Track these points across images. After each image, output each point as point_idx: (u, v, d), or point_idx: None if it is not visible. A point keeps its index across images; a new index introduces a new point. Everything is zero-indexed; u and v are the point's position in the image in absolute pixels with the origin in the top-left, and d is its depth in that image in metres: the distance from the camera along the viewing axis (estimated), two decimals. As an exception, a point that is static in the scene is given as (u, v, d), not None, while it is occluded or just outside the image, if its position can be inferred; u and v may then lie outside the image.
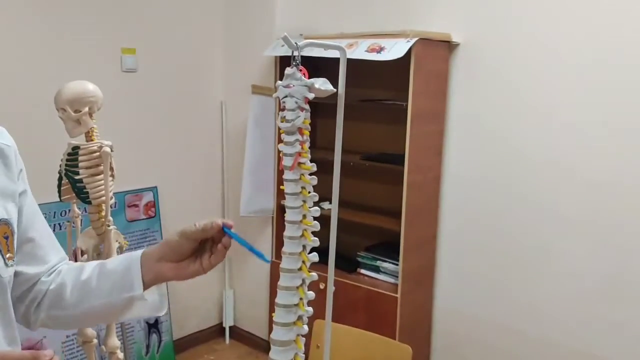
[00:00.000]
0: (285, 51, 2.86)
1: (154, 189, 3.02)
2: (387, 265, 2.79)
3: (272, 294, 3.18)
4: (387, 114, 2.87)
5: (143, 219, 2.97)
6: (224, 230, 0.87)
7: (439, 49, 2.62)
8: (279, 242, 3.14)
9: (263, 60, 3.05)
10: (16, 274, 0.93)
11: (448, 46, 2.65)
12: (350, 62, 2.44)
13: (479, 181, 2.65)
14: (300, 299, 0.88)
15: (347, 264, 2.89)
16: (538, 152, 2.47)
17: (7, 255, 0.87)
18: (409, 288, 2.67)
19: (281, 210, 3.11)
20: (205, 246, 0.91)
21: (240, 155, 3.14)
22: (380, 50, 2.48)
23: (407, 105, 2.50)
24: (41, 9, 2.50)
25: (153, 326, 3.00)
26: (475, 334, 2.72)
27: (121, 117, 2.81)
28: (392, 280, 2.75)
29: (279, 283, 0.89)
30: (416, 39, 2.42)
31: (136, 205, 2.95)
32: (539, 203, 2.48)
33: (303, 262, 0.88)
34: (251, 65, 3.12)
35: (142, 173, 2.96)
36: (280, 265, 0.88)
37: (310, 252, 0.89)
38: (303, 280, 0.88)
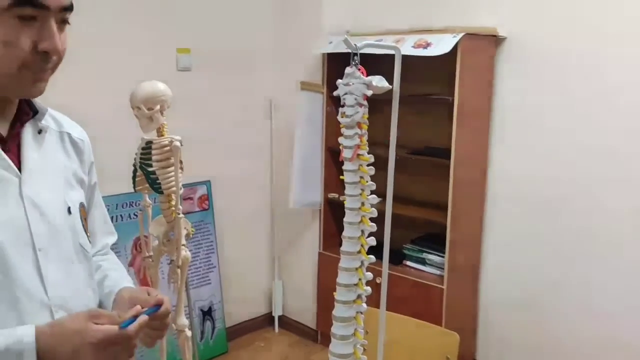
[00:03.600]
0: (332, 48, 2.94)
1: (207, 183, 3.16)
2: (432, 258, 2.83)
3: (320, 285, 3.28)
4: (433, 108, 2.91)
5: (197, 212, 3.11)
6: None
7: (485, 44, 2.64)
8: (326, 234, 3.23)
9: (311, 58, 3.13)
10: None
11: (494, 40, 2.66)
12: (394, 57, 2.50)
13: (526, 175, 2.66)
14: (360, 279, 0.97)
15: (394, 256, 2.95)
16: (587, 146, 2.46)
17: (88, 234, 1.03)
18: (454, 280, 2.71)
19: (328, 203, 3.20)
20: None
21: (287, 150, 3.24)
22: (426, 46, 2.53)
23: (453, 100, 2.54)
24: (106, 14, 2.67)
25: (207, 314, 3.15)
26: (521, 327, 2.74)
27: (176, 114, 2.93)
28: (437, 272, 2.79)
29: (339, 264, 0.98)
30: (462, 34, 2.46)
31: (191, 198, 3.09)
32: (588, 196, 2.47)
33: (362, 245, 0.96)
34: (299, 63, 3.21)
35: (196, 167, 3.08)
36: (341, 248, 0.97)
37: (368, 236, 0.97)
38: (362, 262, 0.97)
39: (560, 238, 2.57)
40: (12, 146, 0.92)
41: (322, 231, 3.24)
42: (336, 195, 3.15)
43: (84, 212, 1.04)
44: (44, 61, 0.86)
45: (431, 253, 2.85)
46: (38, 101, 0.98)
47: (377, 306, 1.88)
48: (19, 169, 0.91)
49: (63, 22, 0.89)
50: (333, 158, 3.16)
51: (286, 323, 3.55)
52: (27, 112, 0.96)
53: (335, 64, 2.99)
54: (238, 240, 3.37)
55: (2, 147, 0.90)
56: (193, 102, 3.05)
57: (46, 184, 0.95)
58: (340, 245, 0.96)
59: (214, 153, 3.18)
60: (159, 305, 0.97)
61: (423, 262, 2.88)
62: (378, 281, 3.02)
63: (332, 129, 3.10)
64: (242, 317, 3.45)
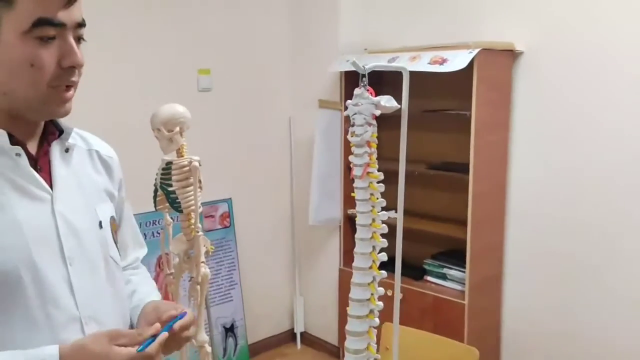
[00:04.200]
0: (349, 66, 2.98)
1: (228, 201, 3.21)
2: (453, 273, 2.82)
3: (341, 301, 3.28)
4: (451, 123, 2.92)
5: (219, 229, 3.16)
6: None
7: (501, 58, 2.65)
8: (346, 250, 3.25)
9: (328, 76, 3.18)
10: None
11: (511, 55, 2.67)
12: (413, 73, 2.51)
13: (547, 189, 2.65)
14: (372, 294, 0.98)
15: (414, 271, 2.95)
16: (605, 159, 2.44)
17: (118, 246, 1.08)
18: (476, 295, 2.69)
19: (348, 219, 3.22)
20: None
21: (307, 167, 3.27)
22: (442, 62, 2.55)
23: (470, 115, 2.55)
24: (128, 37, 2.76)
25: (229, 330, 3.18)
26: (546, 342, 2.70)
27: (197, 133, 2.99)
28: (459, 287, 2.78)
29: (352, 280, 1.00)
30: (478, 49, 2.47)
31: (212, 216, 3.15)
32: (608, 210, 2.45)
33: (373, 261, 0.98)
34: (317, 81, 3.26)
35: (218, 185, 3.15)
36: (353, 264, 0.99)
37: (380, 252, 0.99)
38: (373, 278, 0.98)
39: (584, 250, 2.54)
40: (43, 165, 0.97)
41: (342, 247, 3.26)
42: (356, 212, 3.17)
43: (115, 225, 1.08)
44: (69, 75, 0.90)
45: (452, 268, 2.83)
46: (63, 121, 1.02)
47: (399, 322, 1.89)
48: (50, 186, 0.96)
49: (79, 39, 0.93)
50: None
51: (308, 339, 3.55)
52: (54, 131, 1.00)
53: (353, 81, 3.02)
54: (259, 257, 3.40)
55: (33, 166, 0.94)
56: (214, 121, 3.12)
57: (77, 199, 0.99)
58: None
59: (235, 171, 3.24)
60: (182, 315, 1.00)
61: (444, 277, 2.87)
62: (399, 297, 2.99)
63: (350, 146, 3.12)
64: (264, 333, 3.47)
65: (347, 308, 1.01)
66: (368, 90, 0.97)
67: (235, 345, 3.20)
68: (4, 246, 0.87)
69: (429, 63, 2.58)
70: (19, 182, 0.92)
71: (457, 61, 2.49)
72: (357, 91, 0.98)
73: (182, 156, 1.53)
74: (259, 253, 3.40)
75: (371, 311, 0.99)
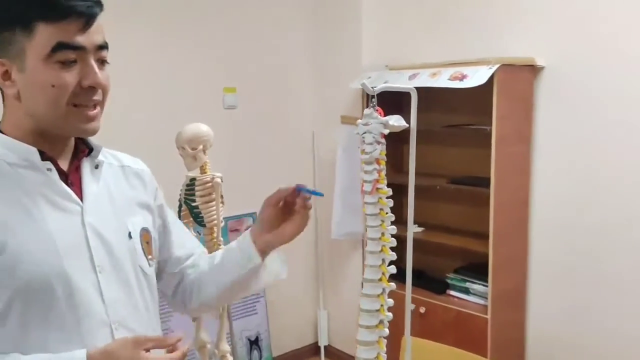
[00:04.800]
0: (369, 83, 3.03)
1: (253, 215, 3.28)
2: (476, 287, 2.82)
3: (364, 314, 3.31)
4: (472, 138, 2.94)
5: (244, 243, 3.23)
6: (297, 190, 1.08)
7: (522, 73, 2.67)
8: (369, 264, 3.27)
9: (350, 92, 3.24)
10: (166, 263, 1.20)
11: (532, 69, 2.68)
12: (434, 89, 2.56)
13: (570, 202, 2.63)
14: (381, 305, 1.03)
15: (437, 285, 2.95)
16: (629, 171, 2.43)
17: (149, 257, 1.11)
18: (499, 309, 2.68)
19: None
20: (294, 209, 1.14)
21: (330, 182, 3.32)
22: (462, 78, 2.58)
23: (490, 130, 2.57)
24: (156, 58, 2.87)
25: (254, 343, 3.23)
26: (571, 357, 2.67)
27: (223, 149, 3.10)
28: (482, 301, 2.78)
29: (362, 291, 1.04)
30: (498, 65, 2.50)
31: (237, 230, 3.22)
32: (634, 222, 2.43)
33: (383, 273, 1.03)
34: (339, 97, 3.32)
35: (242, 200, 3.22)
36: (363, 276, 1.03)
37: (389, 265, 1.03)
38: (383, 290, 1.03)
39: (609, 263, 2.52)
40: (75, 180, 1.04)
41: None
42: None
43: (147, 236, 1.12)
44: (90, 95, 0.96)
45: (475, 282, 2.83)
46: (93, 140, 1.09)
47: (421, 336, 1.91)
48: (81, 199, 1.02)
49: (101, 62, 0.98)
50: (374, 189, 3.22)
51: (332, 353, 3.58)
52: (84, 149, 1.07)
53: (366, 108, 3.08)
54: (283, 270, 3.45)
55: (65, 180, 1.01)
56: (239, 138, 3.21)
57: (106, 212, 1.05)
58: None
59: (259, 186, 3.27)
60: (301, 186, 1.11)
61: (467, 291, 2.87)
62: (422, 311, 3.01)
63: (373, 161, 3.17)
64: (289, 346, 3.51)
65: (358, 319, 1.05)
66: (377, 110, 1.02)
67: (260, 357, 3.25)
68: (37, 257, 0.94)
69: (449, 79, 2.62)
70: (50, 196, 0.98)
71: (476, 77, 2.52)
72: (366, 111, 1.03)
73: (205, 173, 1.62)
74: (283, 266, 3.45)
75: (381, 321, 1.04)
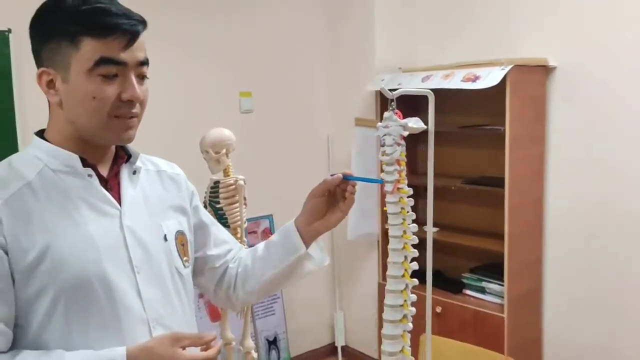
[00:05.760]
0: (384, 85, 3.07)
1: (270, 217, 3.33)
2: (492, 287, 2.84)
3: (381, 314, 3.33)
4: (486, 138, 2.96)
5: (261, 245, 3.28)
6: (344, 179, 1.13)
7: (535, 74, 2.69)
8: (384, 265, 3.29)
9: (364, 95, 3.28)
10: (207, 259, 1.25)
11: (545, 70, 2.71)
12: (448, 91, 2.60)
13: (585, 203, 2.65)
14: (405, 300, 1.07)
15: (453, 285, 2.98)
16: (644, 170, 2.44)
17: (184, 259, 1.16)
18: (515, 309, 2.71)
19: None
20: (337, 197, 1.19)
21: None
22: (475, 79, 2.61)
23: (504, 130, 2.59)
24: (174, 64, 2.94)
25: (272, 343, 3.28)
26: (590, 354, 2.68)
27: (240, 153, 3.15)
28: (498, 301, 2.80)
29: (386, 287, 1.08)
30: (511, 66, 2.53)
31: (255, 232, 3.27)
32: (648, 221, 2.44)
33: (405, 269, 1.07)
34: (354, 100, 3.36)
35: (259, 203, 3.27)
36: (387, 273, 1.07)
37: (411, 261, 1.07)
38: (406, 285, 1.07)
39: (623, 262, 2.53)
40: (114, 185, 1.09)
41: (380, 262, 3.32)
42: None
43: (182, 238, 1.17)
44: (128, 108, 1.01)
45: (491, 282, 2.86)
46: (132, 147, 1.15)
47: (438, 334, 1.94)
48: (120, 204, 1.08)
49: (141, 77, 1.04)
50: (389, 190, 3.26)
51: (349, 353, 3.61)
52: (123, 156, 1.13)
53: (388, 100, 3.12)
54: (300, 271, 3.50)
55: (104, 186, 1.07)
56: (256, 141, 3.25)
57: (143, 215, 1.10)
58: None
59: (276, 188, 3.36)
60: (348, 175, 1.15)
61: (483, 291, 2.89)
62: (438, 310, 3.03)
63: (388, 162, 3.21)
64: (306, 347, 3.55)
65: (383, 314, 1.09)
66: (396, 113, 1.06)
67: (278, 357, 3.30)
68: (79, 258, 0.99)
69: (462, 80, 2.65)
70: (91, 200, 1.04)
71: (489, 78, 2.55)
72: (386, 114, 1.07)
73: (229, 175, 1.68)
74: (300, 268, 3.50)
75: (405, 316, 1.08)
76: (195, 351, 0.98)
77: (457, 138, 3.02)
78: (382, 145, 1.07)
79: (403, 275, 1.07)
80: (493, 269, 2.87)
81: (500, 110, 2.62)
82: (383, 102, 3.16)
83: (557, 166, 2.75)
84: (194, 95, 3.02)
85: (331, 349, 3.66)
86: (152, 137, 2.83)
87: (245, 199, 1.52)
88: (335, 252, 3.61)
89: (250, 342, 1.56)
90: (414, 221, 1.08)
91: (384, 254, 3.30)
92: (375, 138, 3.22)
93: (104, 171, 1.09)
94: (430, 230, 1.13)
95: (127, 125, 1.03)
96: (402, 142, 1.05)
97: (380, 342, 3.54)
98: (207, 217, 1.29)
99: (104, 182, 1.08)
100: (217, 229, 1.30)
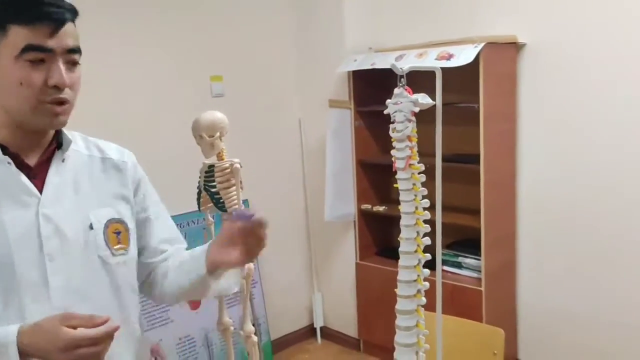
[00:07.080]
0: (357, 66, 3.06)
1: (244, 202, 3.28)
2: (469, 261, 2.91)
3: (359, 294, 3.37)
4: (461, 116, 3.00)
5: (237, 230, 3.24)
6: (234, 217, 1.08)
7: (506, 51, 2.74)
8: (362, 245, 3.34)
9: (336, 76, 3.27)
10: (141, 252, 1.24)
11: (515, 47, 2.76)
12: (421, 70, 2.61)
13: (555, 177, 2.74)
14: (418, 275, 1.08)
15: (428, 261, 3.02)
16: (609, 145, 2.53)
17: (116, 247, 1.15)
18: (492, 281, 2.79)
19: (362, 214, 3.31)
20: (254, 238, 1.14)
21: (319, 166, 3.36)
22: (449, 57, 2.64)
23: (478, 107, 2.64)
24: (143, 46, 2.85)
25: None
26: (561, 326, 2.80)
27: (214, 138, 3.11)
28: (475, 274, 2.87)
29: (399, 263, 1.09)
30: (483, 43, 2.57)
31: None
32: (617, 194, 2.54)
33: (418, 245, 1.07)
34: (325, 82, 3.34)
35: (234, 188, 3.24)
36: (400, 249, 1.08)
37: (423, 237, 1.08)
38: (419, 260, 1.08)
39: (594, 238, 2.63)
40: (40, 173, 1.09)
41: (357, 242, 3.35)
42: (369, 206, 3.27)
43: (118, 227, 1.16)
44: (57, 93, 1.02)
45: (467, 257, 2.92)
46: (67, 135, 1.14)
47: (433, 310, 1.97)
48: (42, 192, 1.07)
49: (72, 63, 1.05)
50: (364, 170, 3.28)
51: (328, 334, 3.64)
52: (53, 143, 1.13)
53: (361, 80, 3.12)
54: (277, 256, 3.48)
55: (28, 175, 1.07)
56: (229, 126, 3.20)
57: (68, 203, 1.10)
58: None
59: (250, 173, 3.29)
60: (250, 216, 1.10)
61: (459, 266, 2.96)
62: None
63: (361, 142, 3.22)
64: (286, 329, 3.56)
65: (396, 290, 1.10)
66: (406, 89, 1.06)
67: (259, 342, 3.29)
68: None
69: (436, 59, 2.67)
70: (9, 189, 1.04)
71: (463, 56, 2.58)
72: (396, 91, 1.07)
73: (223, 159, 1.64)
74: (277, 252, 3.47)
75: (418, 291, 1.09)
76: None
77: (431, 115, 3.05)
78: (392, 122, 1.07)
79: (416, 251, 1.08)
80: (468, 244, 2.94)
81: (472, 87, 2.66)
82: (356, 82, 3.16)
83: (528, 142, 2.82)
84: (165, 80, 2.94)
85: (310, 330, 3.69)
86: (124, 123, 2.76)
87: (241, 182, 1.50)
88: (311, 234, 3.62)
89: (250, 326, 1.55)
90: (424, 197, 1.09)
91: (361, 235, 3.33)
92: (349, 119, 3.22)
93: (34, 158, 1.09)
94: (439, 210, 1.14)
95: (56, 111, 1.05)
96: (413, 118, 1.05)
97: (359, 322, 3.57)
98: (154, 209, 1.27)
99: (29, 170, 1.08)
100: (161, 224, 1.28)
